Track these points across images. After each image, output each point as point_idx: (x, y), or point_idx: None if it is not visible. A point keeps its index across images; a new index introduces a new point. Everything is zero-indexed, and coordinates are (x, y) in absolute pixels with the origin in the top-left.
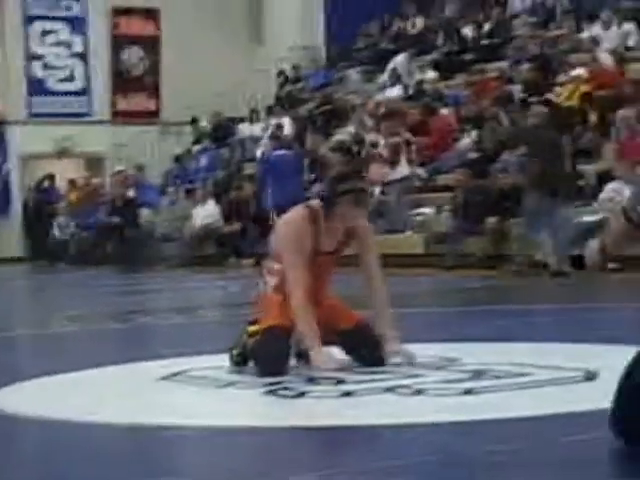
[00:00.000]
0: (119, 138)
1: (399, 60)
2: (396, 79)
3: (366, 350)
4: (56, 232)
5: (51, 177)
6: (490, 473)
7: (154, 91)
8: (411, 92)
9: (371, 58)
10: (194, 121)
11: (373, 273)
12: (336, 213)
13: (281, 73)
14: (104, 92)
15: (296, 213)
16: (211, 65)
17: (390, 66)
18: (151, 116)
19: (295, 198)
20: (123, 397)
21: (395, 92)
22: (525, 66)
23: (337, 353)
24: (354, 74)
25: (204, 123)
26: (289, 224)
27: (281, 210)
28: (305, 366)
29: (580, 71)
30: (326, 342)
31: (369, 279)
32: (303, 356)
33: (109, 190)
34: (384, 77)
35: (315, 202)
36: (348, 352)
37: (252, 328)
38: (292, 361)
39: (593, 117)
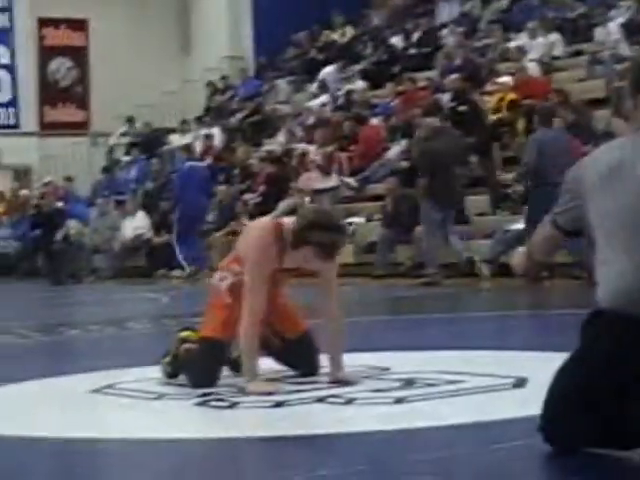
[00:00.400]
0: (48, 149)
1: (328, 70)
2: (325, 89)
3: (303, 363)
4: None
5: None
6: None
7: (83, 102)
8: (340, 102)
9: (300, 68)
10: (130, 120)
11: (331, 304)
12: (301, 253)
13: (210, 84)
14: (32, 103)
15: (267, 229)
16: (140, 75)
17: (319, 76)
18: (80, 127)
19: (199, 209)
20: (52, 411)
21: (324, 102)
22: (454, 76)
23: (271, 364)
24: (283, 84)
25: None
26: (258, 244)
27: (187, 220)
28: (238, 376)
29: (506, 79)
30: (267, 346)
31: (326, 309)
32: (237, 367)
33: (37, 202)
34: (313, 87)
35: (287, 220)
36: (285, 362)
37: (185, 333)
38: (224, 371)
39: (521, 125)
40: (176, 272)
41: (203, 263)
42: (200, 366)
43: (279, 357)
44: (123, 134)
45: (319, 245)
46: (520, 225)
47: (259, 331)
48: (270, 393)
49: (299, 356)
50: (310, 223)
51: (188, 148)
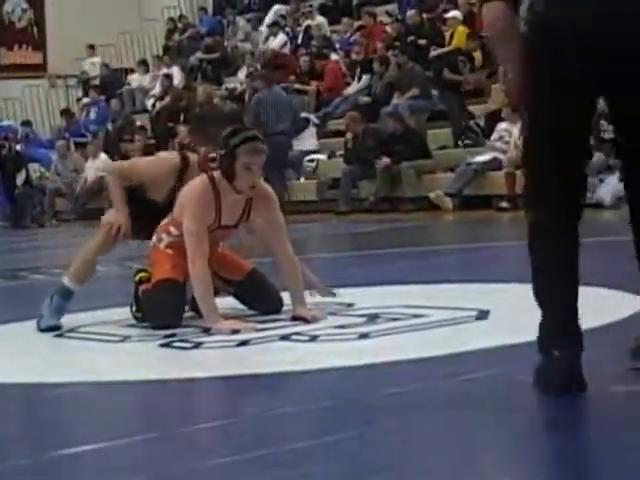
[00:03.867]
0: (5, 92)
1: (277, 8)
2: (282, 26)
3: (259, 300)
4: None
5: None
6: (387, 416)
7: (40, 43)
8: (300, 39)
9: (258, 4)
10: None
11: (282, 244)
12: (237, 172)
13: (170, 20)
14: None
15: (200, 182)
16: (97, 15)
17: (275, 12)
18: (37, 69)
19: None
20: (17, 355)
21: (281, 39)
22: (412, 10)
23: (232, 303)
24: (242, 21)
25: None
26: (193, 195)
27: None
28: (200, 318)
29: (456, 13)
30: (219, 291)
31: (278, 250)
32: (198, 309)
33: None
34: (264, 26)
35: (216, 173)
36: (242, 302)
37: (139, 275)
38: (187, 312)
39: (478, 57)
40: None
41: None
42: (160, 307)
43: (236, 298)
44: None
45: (244, 143)
46: (483, 157)
47: (210, 274)
48: (236, 331)
49: (253, 294)
50: (225, 136)
51: None
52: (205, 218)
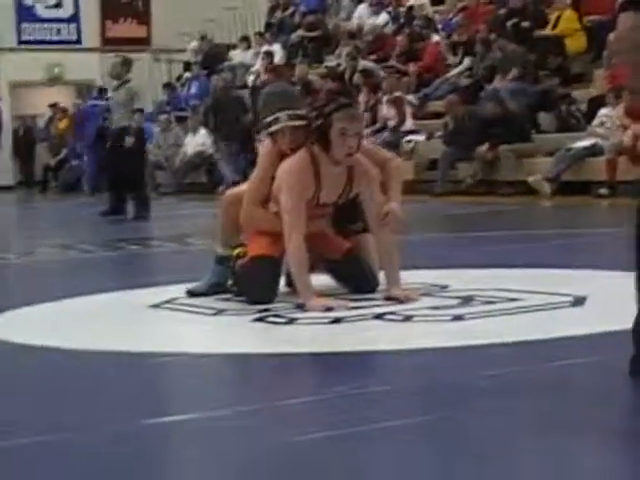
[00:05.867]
0: (110, 65)
1: None
2: (385, 5)
3: (356, 279)
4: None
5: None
6: (481, 397)
7: (144, 17)
8: (401, 19)
9: None
10: (203, 38)
11: (376, 227)
12: (333, 140)
13: None
14: (94, 19)
15: (298, 157)
16: None
17: None
18: (141, 43)
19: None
20: (114, 325)
21: (383, 19)
22: None
23: (327, 281)
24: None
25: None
26: (291, 170)
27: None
28: (295, 294)
29: None
30: (315, 269)
31: (374, 233)
32: (293, 285)
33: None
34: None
35: (315, 147)
36: (339, 281)
37: (239, 249)
38: (282, 288)
39: (584, 42)
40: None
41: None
42: (255, 282)
43: (332, 276)
44: (196, 51)
45: (339, 110)
46: (583, 143)
47: (306, 251)
48: (329, 309)
49: (350, 273)
50: (321, 104)
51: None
52: (303, 194)
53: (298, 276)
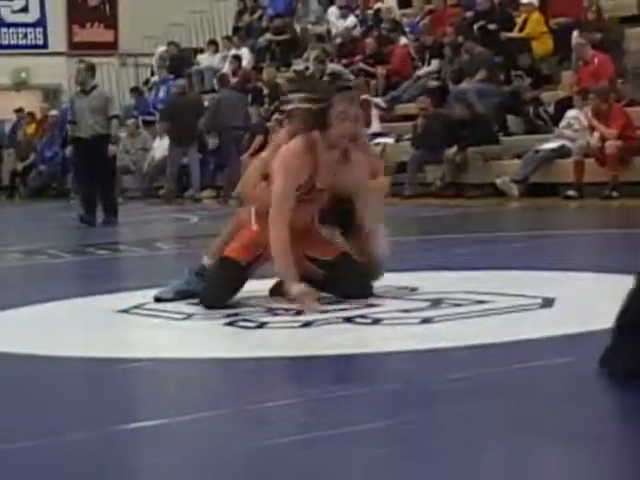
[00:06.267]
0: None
1: None
2: (353, 9)
3: (347, 284)
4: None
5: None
6: (450, 399)
7: (112, 21)
8: (369, 22)
9: None
10: (171, 43)
11: (363, 216)
12: (333, 123)
13: (240, 1)
14: (60, 23)
15: (294, 142)
16: None
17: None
18: (109, 47)
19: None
20: (81, 331)
21: (351, 22)
22: None
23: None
24: (314, 2)
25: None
26: (291, 153)
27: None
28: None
29: None
30: (303, 274)
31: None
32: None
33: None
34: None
35: (314, 133)
36: (328, 284)
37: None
38: (248, 293)
39: (550, 45)
40: (205, 192)
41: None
42: (211, 284)
43: (323, 288)
44: (162, 57)
45: (342, 90)
46: (551, 145)
47: (289, 239)
48: (300, 312)
49: (341, 277)
50: (325, 84)
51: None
52: (299, 177)
53: (281, 260)
